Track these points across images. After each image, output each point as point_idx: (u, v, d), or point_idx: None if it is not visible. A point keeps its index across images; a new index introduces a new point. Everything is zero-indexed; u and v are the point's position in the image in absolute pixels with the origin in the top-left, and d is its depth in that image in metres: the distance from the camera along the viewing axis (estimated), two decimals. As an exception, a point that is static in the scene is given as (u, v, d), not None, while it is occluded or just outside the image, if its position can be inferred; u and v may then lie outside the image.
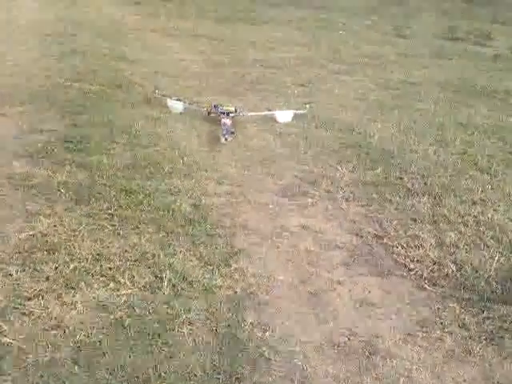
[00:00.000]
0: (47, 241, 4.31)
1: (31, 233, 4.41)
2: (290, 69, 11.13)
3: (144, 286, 3.87)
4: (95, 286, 3.85)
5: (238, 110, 7.59)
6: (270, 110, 7.90)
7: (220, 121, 7.14)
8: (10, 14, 14.38)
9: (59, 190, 5.12)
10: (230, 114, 7.40)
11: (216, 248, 4.44)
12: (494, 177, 6.30)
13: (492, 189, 5.97)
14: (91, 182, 5.32)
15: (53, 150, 5.97)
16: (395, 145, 7.06)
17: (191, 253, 4.32)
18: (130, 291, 3.81)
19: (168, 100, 7.85)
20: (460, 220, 5.25)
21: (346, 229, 5.02)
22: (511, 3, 24.95)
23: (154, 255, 4.22)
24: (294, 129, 7.42)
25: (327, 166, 6.24)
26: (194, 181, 5.58)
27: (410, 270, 4.45)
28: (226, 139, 6.66)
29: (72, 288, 3.80)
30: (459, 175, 6.26)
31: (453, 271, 4.42)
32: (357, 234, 4.93)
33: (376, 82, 10.57)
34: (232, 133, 6.85)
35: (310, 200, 5.47)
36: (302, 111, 7.85)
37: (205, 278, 4.03)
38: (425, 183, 5.97)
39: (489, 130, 7.96)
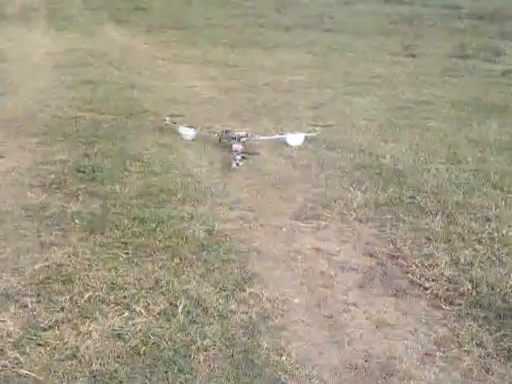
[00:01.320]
0: (62, 271, 4.34)
1: (46, 264, 4.44)
2: (301, 92, 11.16)
3: (159, 314, 3.88)
4: (110, 314, 3.86)
5: (249, 135, 7.61)
6: (281, 134, 7.92)
7: (231, 146, 7.15)
8: (23, 47, 14.52)
9: (73, 221, 5.15)
10: (241, 139, 7.42)
11: (230, 273, 4.44)
12: (507, 193, 6.27)
13: (506, 205, 5.95)
14: (104, 211, 5.36)
15: (66, 180, 6.02)
16: (407, 164, 7.05)
17: (205, 279, 4.33)
18: (144, 319, 3.82)
19: (179, 127, 7.89)
20: (474, 237, 5.23)
21: (360, 250, 5.01)
22: (520, 19, 24.95)
23: (168, 282, 4.23)
24: (306, 151, 7.44)
25: (339, 188, 6.23)
26: (206, 207, 5.60)
27: (426, 289, 4.43)
28: (237, 164, 6.68)
29: (87, 317, 3.82)
30: (472, 192, 6.23)
31: (468, 289, 4.40)
32: (371, 255, 4.92)
33: (387, 102, 10.57)
34: (244, 158, 6.86)
35: (323, 222, 5.47)
36: (312, 134, 7.86)
37: (219, 303, 4.03)
38: (438, 201, 5.96)
39: (501, 146, 7.93)
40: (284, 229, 5.31)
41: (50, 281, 4.21)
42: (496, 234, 5.29)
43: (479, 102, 10.62)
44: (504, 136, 8.47)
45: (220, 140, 7.59)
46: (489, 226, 5.45)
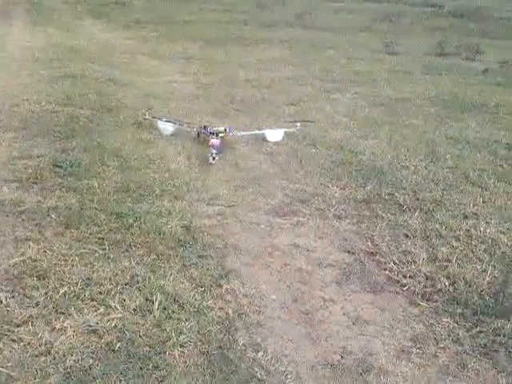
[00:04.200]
0: (37, 266, 4.28)
1: (21, 259, 4.38)
2: (281, 88, 11.16)
3: (135, 310, 3.84)
4: (85, 310, 3.81)
5: (228, 130, 7.58)
6: (260, 130, 7.90)
7: (208, 141, 7.13)
8: (1, 42, 14.39)
9: (49, 215, 5.09)
10: (220, 135, 7.39)
11: (207, 269, 4.41)
12: (485, 190, 6.31)
13: (484, 202, 5.98)
14: (81, 207, 5.29)
15: (42, 175, 5.94)
16: (386, 161, 7.06)
17: (182, 275, 4.30)
18: (120, 315, 3.78)
19: (158, 122, 7.85)
20: (452, 234, 5.24)
21: (338, 246, 5.00)
22: (500, 17, 25.13)
23: (144, 278, 4.19)
24: (285, 147, 7.43)
25: (318, 185, 6.23)
26: (184, 202, 5.56)
27: (403, 285, 4.43)
28: (213, 159, 6.65)
29: (62, 313, 3.77)
30: (450, 189, 6.26)
31: (445, 286, 4.40)
32: (349, 252, 4.91)
33: (366, 99, 10.60)
34: (220, 153, 6.83)
35: (301, 219, 5.45)
36: (292, 130, 7.84)
37: (196, 299, 4.00)
38: (416, 198, 5.97)
39: (479, 144, 7.98)
40: (262, 225, 5.29)
41: (25, 276, 4.15)
42: (474, 231, 5.31)
43: (458, 100, 10.69)
44: (482, 134, 8.53)
45: (198, 135, 7.56)
46: (466, 223, 5.47)
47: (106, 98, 9.39)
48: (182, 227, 5.03)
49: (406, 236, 5.19)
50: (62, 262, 4.36)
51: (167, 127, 7.77)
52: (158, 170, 6.35)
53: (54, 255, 4.45)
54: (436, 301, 4.25)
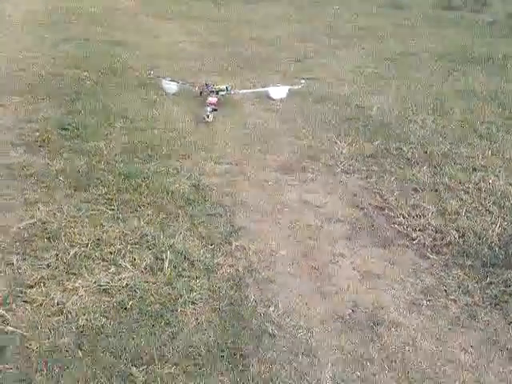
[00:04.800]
0: (47, 228, 4.28)
1: (31, 221, 4.38)
2: (285, 45, 11.07)
3: (145, 268, 3.86)
4: (96, 270, 3.83)
5: (229, 88, 7.54)
6: (263, 87, 7.84)
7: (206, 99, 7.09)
8: (4, 6, 14.29)
9: (57, 178, 5.10)
10: (220, 93, 7.36)
11: (216, 227, 4.42)
12: (493, 143, 6.28)
13: (492, 155, 5.96)
14: (89, 168, 5.29)
15: (49, 137, 5.93)
16: (394, 116, 7.03)
17: (192, 233, 4.31)
18: (131, 274, 3.79)
19: (162, 81, 7.83)
20: (461, 187, 5.23)
21: (347, 202, 5.00)
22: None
23: (154, 237, 4.20)
24: (292, 105, 7.39)
25: (326, 141, 6.21)
26: (192, 161, 5.56)
27: (413, 239, 4.43)
28: (207, 116, 6.63)
29: (73, 274, 3.78)
30: (459, 143, 6.23)
31: (455, 238, 4.40)
32: (358, 207, 4.91)
33: (373, 54, 10.52)
34: (215, 110, 6.80)
35: (309, 175, 5.45)
36: (297, 86, 7.79)
37: (206, 257, 4.01)
38: (425, 152, 5.95)
39: (487, 97, 7.91)
40: (270, 182, 5.28)
41: (35, 238, 4.16)
42: (483, 184, 5.30)
43: (466, 53, 10.59)
44: (490, 86, 8.46)
45: (201, 93, 7.50)
46: (475, 176, 5.45)
47: (110, 59, 9.32)
48: (190, 186, 5.03)
49: (415, 190, 5.18)
50: (72, 224, 4.36)
51: (171, 86, 7.75)
52: (165, 129, 6.33)
53: (63, 217, 4.46)
54: (446, 253, 4.25)
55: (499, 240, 4.36)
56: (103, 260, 3.95)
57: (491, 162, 5.79)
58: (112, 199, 4.75)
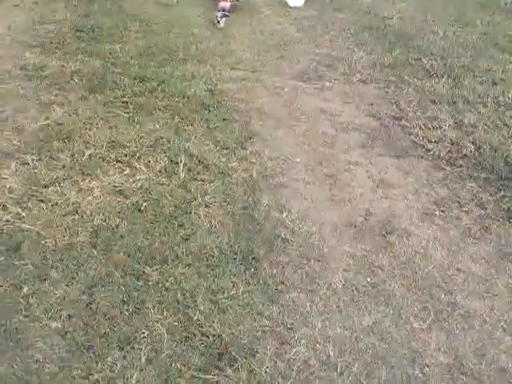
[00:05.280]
0: (62, 130, 4.28)
1: (46, 122, 4.38)
2: None
3: (160, 171, 3.86)
4: (111, 172, 3.84)
5: None
6: None
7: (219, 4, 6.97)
8: None
9: (72, 80, 5.06)
10: None
11: (232, 132, 4.40)
12: (515, 56, 6.16)
13: (513, 68, 5.86)
14: (104, 71, 5.25)
15: (65, 39, 5.87)
16: (414, 26, 6.91)
17: (206, 137, 4.30)
18: (145, 176, 3.80)
19: None
20: (479, 100, 5.16)
21: (364, 111, 4.95)
22: None
23: (169, 140, 4.19)
24: (311, 12, 7.26)
25: (344, 49, 6.12)
26: (208, 67, 5.50)
27: (428, 150, 4.40)
28: (218, 22, 6.52)
29: (88, 175, 3.80)
30: (479, 56, 6.12)
31: (471, 151, 4.37)
32: (374, 116, 4.87)
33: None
34: (226, 16, 6.69)
35: (326, 83, 5.39)
36: None
37: (221, 161, 4.01)
38: (444, 64, 5.86)
39: (510, 10, 7.74)
40: (286, 89, 5.23)
41: (51, 139, 4.16)
42: (501, 98, 5.23)
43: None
44: (514, -2, 8.26)
45: None
46: (495, 90, 5.38)
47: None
48: (205, 91, 5.00)
49: (433, 101, 5.12)
50: (87, 125, 4.36)
51: None
52: (181, 34, 6.25)
53: (78, 119, 4.45)
54: (461, 166, 4.23)
55: (515, 154, 4.34)
56: (118, 162, 3.95)
57: (511, 75, 5.69)
58: (127, 102, 4.73)
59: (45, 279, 2.93)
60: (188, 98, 4.83)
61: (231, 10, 6.86)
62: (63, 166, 3.88)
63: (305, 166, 4.11)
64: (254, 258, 3.17)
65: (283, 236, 3.38)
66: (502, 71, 5.78)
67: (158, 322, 2.72)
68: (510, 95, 5.27)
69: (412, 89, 5.31)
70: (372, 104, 5.06)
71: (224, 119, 4.58)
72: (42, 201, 3.56)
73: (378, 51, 6.07)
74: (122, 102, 4.74)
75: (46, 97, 4.79)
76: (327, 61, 5.82)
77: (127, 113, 4.58)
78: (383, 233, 3.52)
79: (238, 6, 7.11)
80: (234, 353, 2.59)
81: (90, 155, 3.98)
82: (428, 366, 2.62)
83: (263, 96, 5.07)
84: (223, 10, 6.73)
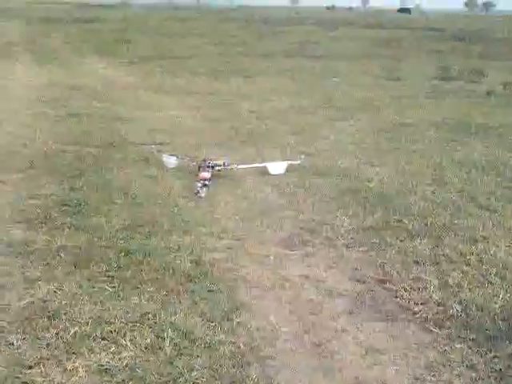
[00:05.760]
0: (47, 307, 4.27)
1: (31, 300, 4.37)
2: (284, 118, 11.19)
3: (146, 347, 3.82)
4: (96, 349, 3.80)
5: (226, 164, 7.60)
6: (261, 162, 7.89)
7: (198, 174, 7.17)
8: (5, 82, 14.51)
9: (58, 255, 5.09)
10: (216, 167, 7.43)
11: (217, 303, 4.39)
12: (494, 213, 6.30)
13: (493, 225, 5.97)
14: (90, 245, 5.29)
15: (51, 214, 5.95)
16: (393, 187, 7.07)
17: (192, 310, 4.28)
18: (131, 353, 3.76)
19: (163, 156, 7.92)
20: (462, 259, 5.22)
21: (348, 275, 4.98)
22: (501, 39, 25.23)
23: (155, 315, 4.17)
24: (292, 178, 7.42)
25: (326, 214, 6.22)
26: (193, 237, 5.56)
27: (415, 313, 4.40)
28: (198, 192, 6.70)
29: (73, 353, 3.75)
30: (459, 213, 6.25)
31: (458, 312, 4.37)
32: (359, 280, 4.89)
33: (371, 125, 10.63)
34: (205, 186, 6.86)
35: (310, 249, 5.44)
36: (296, 162, 7.83)
37: (207, 334, 3.98)
38: (425, 224, 5.96)
39: (486, 167, 7.98)
40: (271, 257, 5.27)
41: (36, 317, 4.13)
42: (484, 255, 5.29)
43: (463, 123, 10.72)
44: (489, 156, 8.54)
45: (199, 168, 7.50)
46: (476, 247, 5.45)
47: (111, 134, 9.45)
48: (191, 262, 5.02)
49: (416, 262, 5.17)
50: (73, 302, 4.34)
51: (171, 160, 7.83)
52: (166, 205, 6.35)
53: (64, 295, 4.44)
54: (449, 327, 4.22)
55: (502, 312, 4.34)
56: (104, 339, 3.92)
57: (492, 232, 5.80)
58: (113, 276, 4.74)
59: None
60: (173, 270, 4.84)
61: (211, 180, 7.01)
62: (48, 345, 3.84)
63: (292, 335, 4.08)
64: None
65: (273, 411, 3.31)
66: (483, 228, 5.89)
67: None
68: (491, 252, 5.34)
69: (395, 251, 5.37)
70: (356, 268, 5.09)
71: (209, 290, 4.57)
72: (25, 383, 3.50)
73: (360, 214, 6.17)
74: (108, 277, 4.74)
75: (32, 273, 4.80)
76: (310, 226, 5.90)
77: (113, 287, 4.58)
78: (375, 402, 3.47)
79: (221, 175, 7.29)
80: None
81: (75, 333, 3.95)
82: None
83: (248, 265, 5.10)
84: (203, 180, 6.89)
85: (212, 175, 7.20)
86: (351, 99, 13.16)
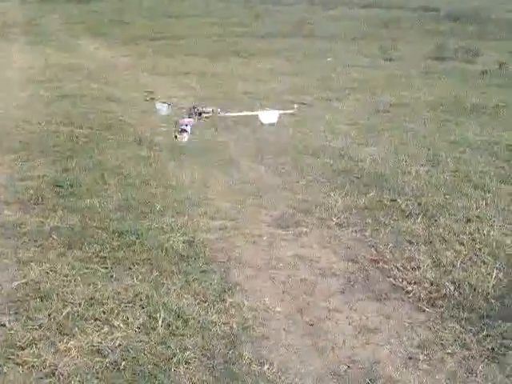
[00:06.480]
0: (40, 288, 4.27)
1: (24, 281, 4.38)
2: (279, 99, 11.13)
3: (138, 328, 3.83)
4: (89, 330, 3.80)
5: (216, 111, 7.39)
6: (252, 111, 7.79)
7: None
8: (-1, 63, 14.45)
9: (51, 236, 5.08)
10: (204, 115, 7.23)
11: (210, 284, 4.39)
12: (487, 192, 6.28)
13: (486, 205, 5.96)
14: (83, 226, 5.29)
15: (43, 195, 5.94)
16: (387, 167, 7.05)
17: (185, 290, 4.28)
18: (124, 333, 3.77)
19: (156, 103, 7.93)
20: (456, 238, 5.22)
21: (342, 255, 4.98)
22: (497, 19, 25.13)
23: (147, 296, 4.18)
24: (285, 158, 7.40)
25: (320, 194, 6.21)
26: (186, 217, 5.54)
27: (408, 292, 4.41)
28: (175, 137, 6.67)
29: (66, 334, 3.76)
30: (453, 193, 6.24)
31: (451, 291, 4.38)
32: (352, 260, 4.89)
33: (366, 105, 10.58)
34: (184, 130, 6.75)
35: (304, 229, 5.44)
36: (289, 111, 7.71)
37: (200, 315, 3.99)
38: (419, 204, 5.95)
39: (480, 147, 7.96)
40: (265, 237, 5.27)
41: (28, 298, 4.14)
42: (477, 235, 5.29)
43: (458, 103, 10.67)
44: (483, 136, 8.51)
45: (189, 116, 7.19)
46: (470, 227, 5.45)
47: (105, 116, 9.39)
48: (184, 242, 5.01)
49: (410, 242, 5.17)
50: (65, 283, 4.36)
51: (163, 108, 7.75)
52: (159, 185, 6.33)
53: (56, 276, 4.45)
54: (441, 306, 4.23)
55: (495, 291, 4.35)
56: (96, 319, 3.92)
57: (485, 212, 5.80)
58: (106, 257, 4.74)
59: None
60: (166, 250, 4.84)
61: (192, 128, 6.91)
62: (40, 326, 3.85)
63: (285, 315, 4.09)
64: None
65: (265, 390, 3.32)
66: (476, 208, 5.88)
67: None
68: (485, 232, 5.35)
69: (388, 230, 5.37)
70: (349, 248, 5.10)
71: (202, 271, 4.58)
72: (18, 364, 3.51)
73: (354, 194, 6.16)
74: (100, 258, 4.74)
75: (25, 254, 4.80)
76: (304, 206, 5.89)
77: (105, 268, 4.59)
78: (367, 381, 3.48)
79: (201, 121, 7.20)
80: None
81: (67, 314, 3.96)
82: None
83: (241, 245, 5.09)
84: (182, 124, 6.80)
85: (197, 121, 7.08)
86: (347, 79, 13.08)
